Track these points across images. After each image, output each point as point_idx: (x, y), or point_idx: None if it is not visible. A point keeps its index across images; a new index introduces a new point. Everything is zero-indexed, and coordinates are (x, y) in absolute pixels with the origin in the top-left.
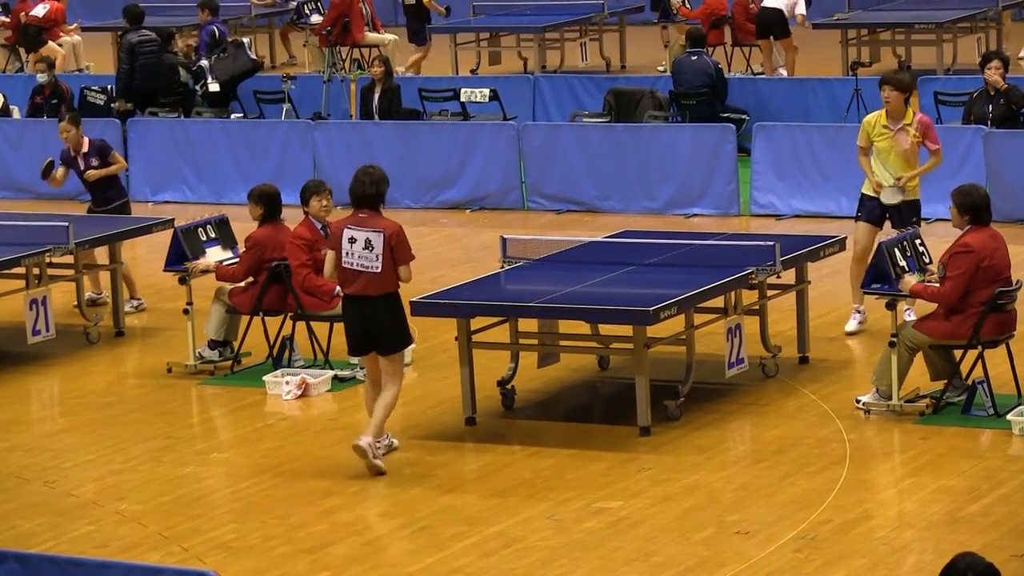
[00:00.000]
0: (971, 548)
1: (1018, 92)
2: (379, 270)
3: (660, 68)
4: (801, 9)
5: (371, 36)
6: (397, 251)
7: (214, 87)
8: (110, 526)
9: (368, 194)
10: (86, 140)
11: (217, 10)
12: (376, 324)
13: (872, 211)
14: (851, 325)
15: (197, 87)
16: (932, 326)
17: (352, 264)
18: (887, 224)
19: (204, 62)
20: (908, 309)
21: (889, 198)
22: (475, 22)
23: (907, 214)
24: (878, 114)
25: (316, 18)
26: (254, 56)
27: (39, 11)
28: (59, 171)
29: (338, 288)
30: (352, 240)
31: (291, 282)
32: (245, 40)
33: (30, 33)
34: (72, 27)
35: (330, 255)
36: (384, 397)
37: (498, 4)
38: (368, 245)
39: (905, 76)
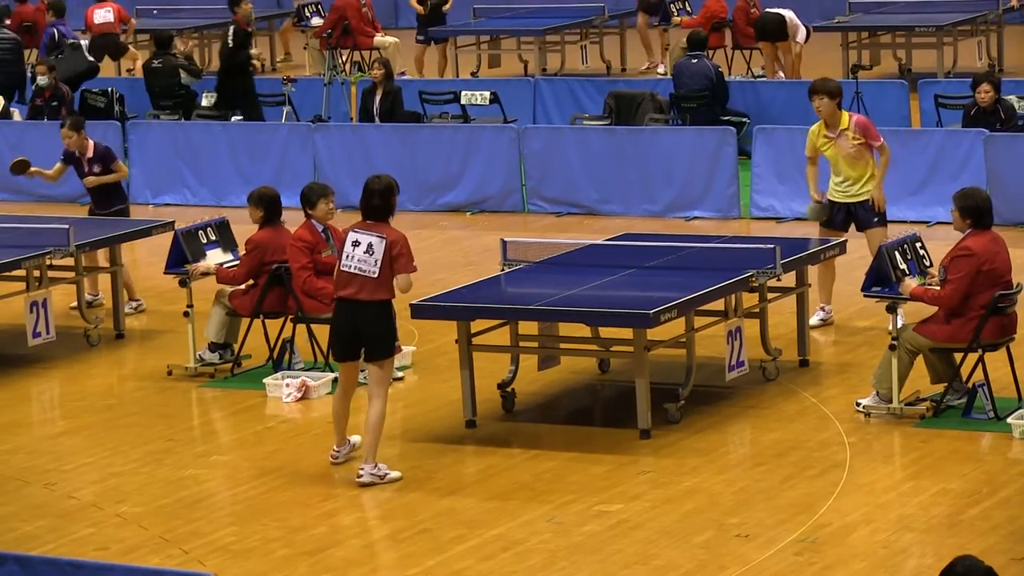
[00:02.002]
0: (971, 551)
1: (1009, 107)
2: (375, 275)
3: (660, 71)
4: (800, 39)
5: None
6: (398, 260)
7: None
8: (110, 529)
9: (374, 205)
10: (91, 144)
11: (63, 12)
12: (366, 329)
13: (832, 217)
14: (813, 320)
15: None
16: (932, 329)
17: (350, 267)
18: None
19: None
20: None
21: (814, 215)
22: (475, 25)
23: (867, 214)
24: (820, 124)
25: (316, 20)
26: (91, 58)
27: (106, 16)
28: (56, 167)
29: None
30: (355, 243)
31: (291, 285)
32: (84, 42)
33: (111, 43)
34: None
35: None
36: (371, 415)
37: (498, 7)
38: (369, 250)
39: (833, 82)
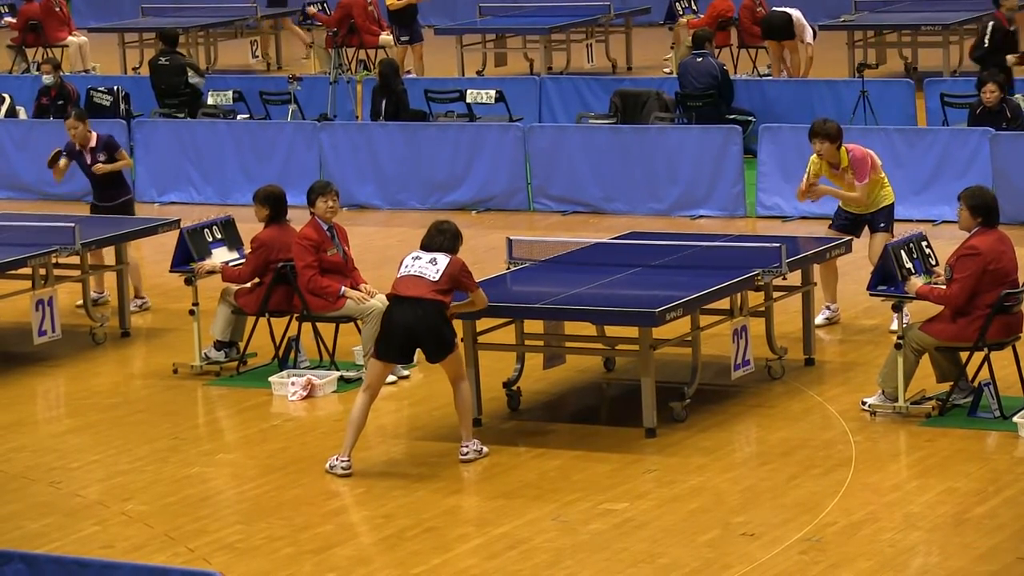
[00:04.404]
0: (977, 550)
1: (1015, 106)
2: (435, 279)
3: (666, 70)
4: (809, 39)
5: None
6: (463, 282)
7: None
8: (116, 527)
9: (445, 247)
10: (94, 135)
11: None
12: (423, 328)
13: (843, 221)
14: (819, 319)
15: None
16: (938, 328)
17: (408, 271)
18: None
19: None
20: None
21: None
22: (481, 23)
23: (879, 219)
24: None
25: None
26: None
27: None
28: (62, 162)
29: (343, 289)
30: (416, 257)
31: (297, 283)
32: None
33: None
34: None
35: None
36: (463, 400)
37: (504, 5)
38: (433, 261)
39: (833, 124)
